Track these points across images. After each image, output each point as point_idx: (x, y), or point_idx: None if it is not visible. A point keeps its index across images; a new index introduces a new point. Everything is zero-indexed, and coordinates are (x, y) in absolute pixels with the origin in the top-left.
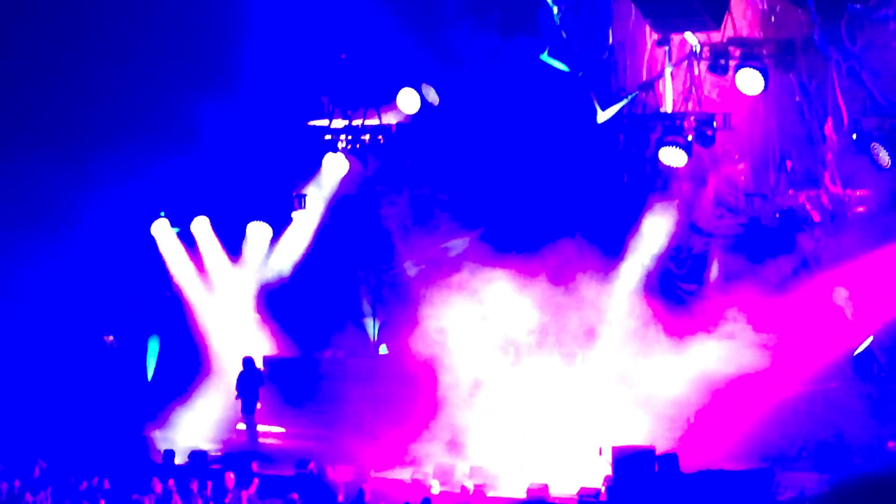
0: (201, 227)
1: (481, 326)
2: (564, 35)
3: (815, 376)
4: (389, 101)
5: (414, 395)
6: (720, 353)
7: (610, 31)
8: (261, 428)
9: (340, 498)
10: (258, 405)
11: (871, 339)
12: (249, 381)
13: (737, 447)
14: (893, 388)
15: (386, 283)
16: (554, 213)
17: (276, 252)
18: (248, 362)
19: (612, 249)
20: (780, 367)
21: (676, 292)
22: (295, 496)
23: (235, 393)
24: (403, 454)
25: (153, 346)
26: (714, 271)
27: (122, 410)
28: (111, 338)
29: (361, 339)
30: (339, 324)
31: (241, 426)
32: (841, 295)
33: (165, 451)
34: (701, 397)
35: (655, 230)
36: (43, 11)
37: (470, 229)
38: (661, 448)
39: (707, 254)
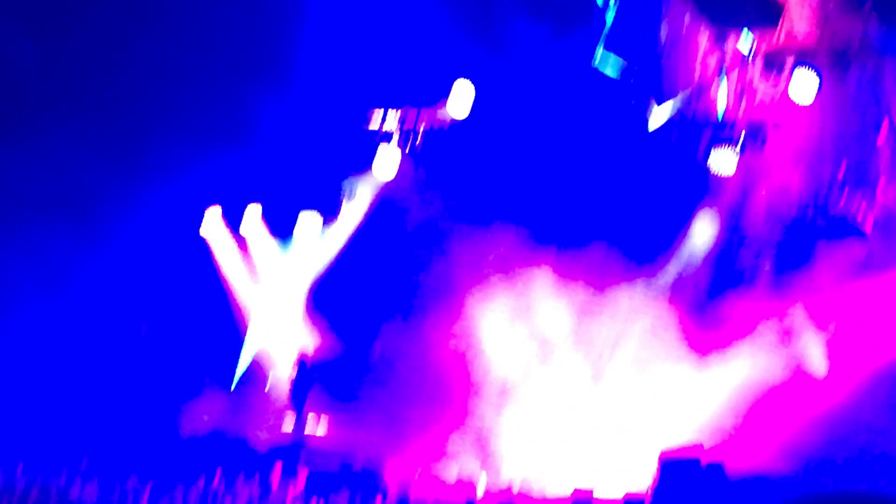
0: (253, 216)
1: (522, 326)
2: (615, 33)
3: (865, 385)
4: (442, 99)
5: (459, 394)
6: (766, 360)
7: (662, 32)
8: (309, 424)
9: (386, 496)
10: (306, 402)
11: None
12: (302, 378)
13: (781, 456)
14: None
15: (431, 277)
16: (599, 215)
17: (324, 244)
18: (302, 360)
19: (655, 254)
20: (828, 375)
21: (722, 299)
22: (341, 492)
23: (288, 389)
24: (449, 453)
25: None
26: (762, 279)
27: (169, 404)
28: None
29: (409, 335)
30: (388, 318)
31: (290, 422)
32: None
33: (212, 443)
34: (746, 405)
35: (702, 238)
36: (97, 2)
37: (516, 226)
38: (708, 452)
39: (755, 263)
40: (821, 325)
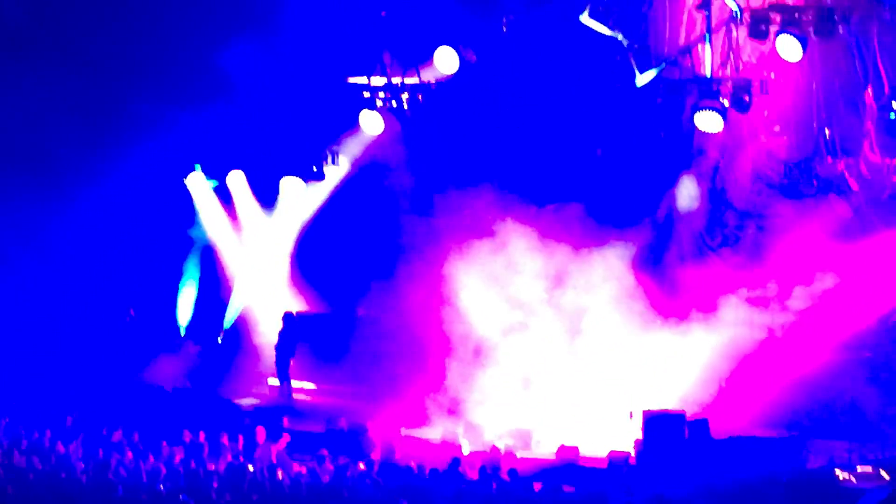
0: (236, 180)
1: (503, 285)
2: None
3: (850, 344)
4: (428, 60)
5: (442, 355)
6: (751, 319)
7: None
8: (294, 384)
9: (371, 456)
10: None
11: None
12: (288, 336)
13: (764, 413)
14: None
15: (418, 237)
16: (583, 174)
17: (308, 205)
18: (287, 318)
19: (642, 213)
20: (812, 334)
21: (708, 259)
22: (325, 452)
23: (273, 348)
24: (434, 413)
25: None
26: (748, 240)
27: (151, 363)
28: (132, 312)
29: (394, 295)
30: (372, 280)
31: (273, 381)
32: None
33: (196, 402)
34: (731, 363)
35: (688, 198)
36: None
37: (501, 186)
38: (690, 413)
39: (741, 226)
40: (804, 287)
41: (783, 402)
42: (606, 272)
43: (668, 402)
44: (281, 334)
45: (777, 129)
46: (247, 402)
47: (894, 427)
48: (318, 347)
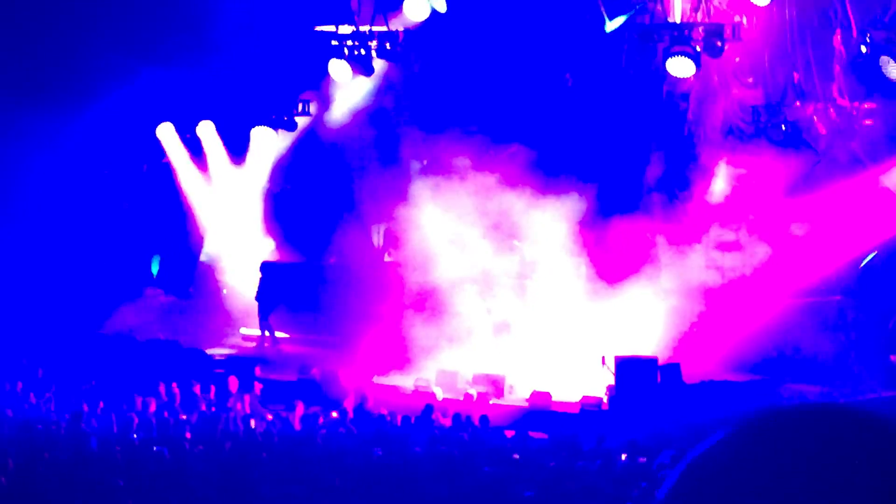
0: (206, 131)
1: (473, 231)
2: None
3: (819, 288)
4: (397, 7)
5: (414, 302)
6: (718, 262)
7: None
8: (265, 333)
9: (344, 404)
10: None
11: (875, 252)
12: (267, 286)
13: (733, 358)
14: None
15: (385, 185)
16: (550, 121)
17: (279, 156)
18: (265, 267)
19: (609, 157)
20: (780, 280)
21: (673, 202)
22: (298, 402)
23: (243, 297)
24: (406, 360)
25: (160, 240)
26: (717, 184)
27: (123, 313)
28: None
29: (365, 244)
30: (341, 228)
31: (246, 331)
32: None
33: (168, 353)
34: (698, 306)
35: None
36: None
37: (472, 133)
38: (660, 357)
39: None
40: (770, 234)
41: (753, 347)
42: (570, 218)
43: (639, 347)
44: (260, 284)
45: (750, 80)
46: (219, 351)
47: (867, 369)
48: (289, 297)
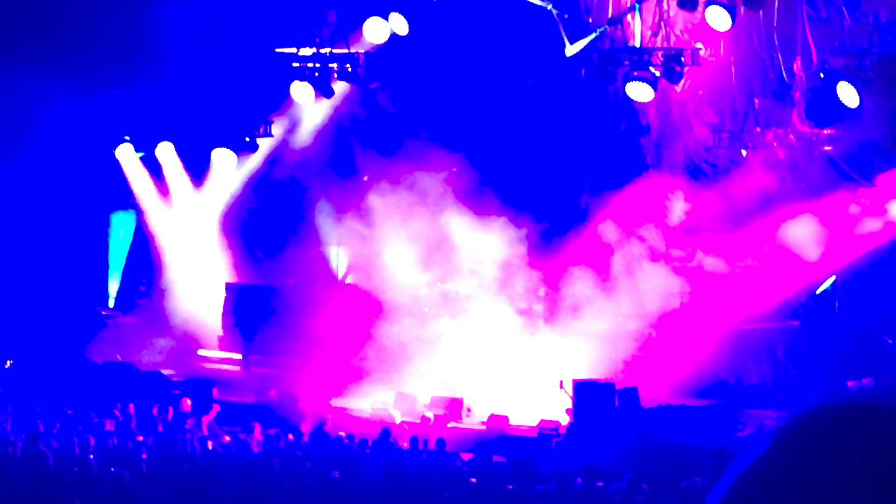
0: (166, 152)
1: (432, 250)
2: None
3: (775, 312)
4: (357, 29)
5: (374, 324)
6: (677, 286)
7: None
8: (223, 355)
9: (301, 426)
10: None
11: (833, 278)
12: (233, 306)
13: (689, 382)
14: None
15: (343, 206)
16: (516, 145)
17: (239, 179)
18: (230, 289)
19: (572, 181)
20: (737, 303)
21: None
22: (255, 424)
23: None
24: (365, 383)
25: (118, 261)
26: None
27: (82, 332)
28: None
29: (324, 266)
30: (302, 251)
31: (203, 352)
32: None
33: (125, 374)
34: (655, 330)
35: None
36: None
37: (429, 154)
38: (617, 382)
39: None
40: (729, 257)
41: (708, 371)
42: (523, 242)
43: (596, 371)
44: (224, 305)
45: (715, 121)
46: (176, 373)
47: (824, 395)
48: (249, 318)
